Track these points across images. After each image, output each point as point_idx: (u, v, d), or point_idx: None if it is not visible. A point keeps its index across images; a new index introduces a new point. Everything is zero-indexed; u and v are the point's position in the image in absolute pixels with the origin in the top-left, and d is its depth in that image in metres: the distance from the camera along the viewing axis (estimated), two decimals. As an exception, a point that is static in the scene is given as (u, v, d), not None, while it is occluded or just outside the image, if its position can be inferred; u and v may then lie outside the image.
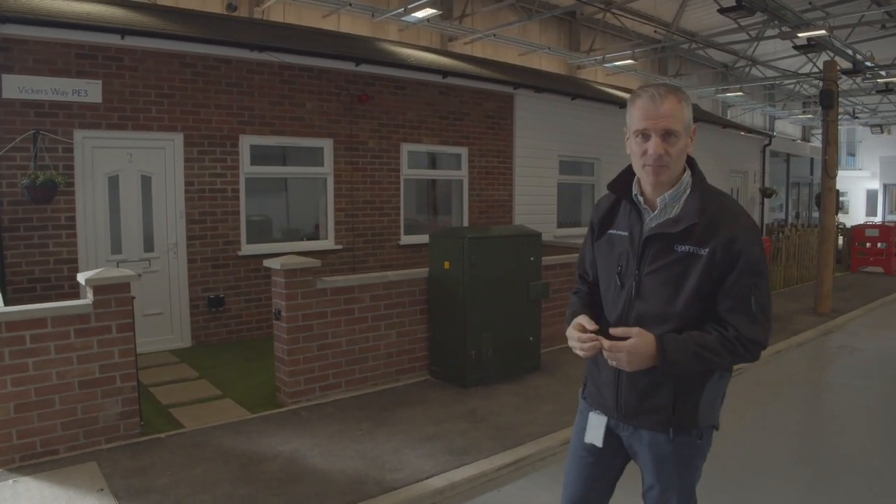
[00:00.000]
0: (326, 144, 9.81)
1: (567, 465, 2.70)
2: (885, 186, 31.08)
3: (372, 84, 10.21)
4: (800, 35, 14.03)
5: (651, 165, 2.25)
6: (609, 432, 2.52)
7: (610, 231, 2.48)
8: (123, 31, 7.80)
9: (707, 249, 2.22)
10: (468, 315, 6.60)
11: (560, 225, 13.35)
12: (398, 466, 4.83)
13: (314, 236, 9.97)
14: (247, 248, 9.07)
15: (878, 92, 22.01)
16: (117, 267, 7.73)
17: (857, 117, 28.90)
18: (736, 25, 16.11)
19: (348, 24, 14.77)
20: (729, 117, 25.02)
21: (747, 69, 23.72)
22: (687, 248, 2.24)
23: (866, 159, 33.05)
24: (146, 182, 8.33)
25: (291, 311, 6.17)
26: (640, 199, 2.39)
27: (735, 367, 2.50)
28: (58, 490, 4.41)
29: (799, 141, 31.33)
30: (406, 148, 10.68)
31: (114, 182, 8.10)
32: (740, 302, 2.22)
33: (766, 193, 20.77)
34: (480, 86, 11.62)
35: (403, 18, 14.10)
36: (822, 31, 13.48)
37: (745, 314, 2.22)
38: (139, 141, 8.20)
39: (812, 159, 28.32)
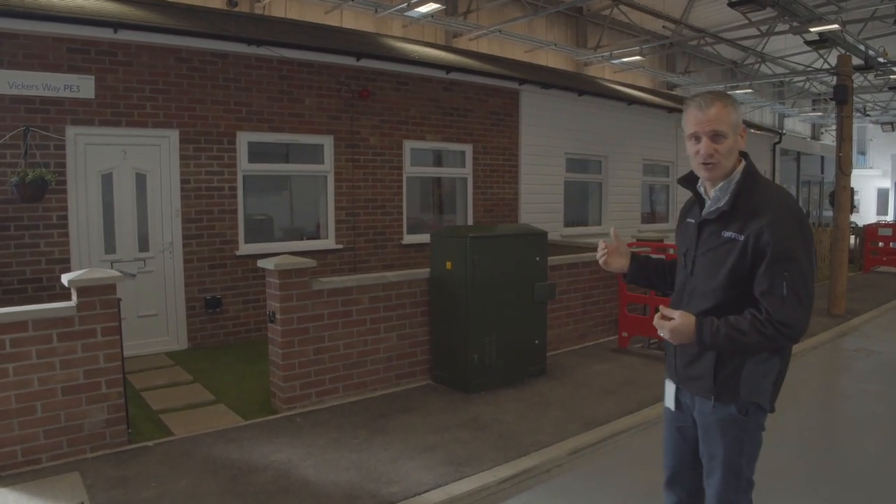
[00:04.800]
0: (326, 141, 9.57)
1: (663, 431, 3.00)
2: (898, 185, 30.72)
3: (373, 79, 9.97)
4: (812, 30, 13.71)
5: (703, 163, 2.58)
6: (680, 399, 2.82)
7: (686, 220, 2.85)
8: (116, 25, 7.58)
9: (744, 236, 2.51)
10: (471, 317, 6.34)
11: (567, 224, 13.11)
12: (395, 479, 4.58)
13: (314, 236, 9.73)
14: (245, 248, 8.83)
15: (891, 88, 21.65)
16: (111, 267, 7.54)
17: (867, 115, 28.50)
18: (745, 21, 15.80)
19: (351, 19, 14.50)
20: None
21: (756, 66, 23.38)
22: (730, 234, 2.55)
23: (877, 158, 32.63)
24: (141, 180, 8.11)
25: (286, 313, 5.93)
26: (703, 189, 2.75)
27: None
28: (36, 502, 4.17)
29: (809, 139, 30.93)
30: (408, 145, 10.44)
31: (107, 180, 7.88)
32: (772, 286, 2.44)
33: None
34: (485, 81, 11.36)
35: (407, 14, 13.82)
36: (835, 26, 13.16)
37: (776, 297, 2.43)
38: (133, 138, 7.99)
39: (823, 157, 27.97)
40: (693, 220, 2.75)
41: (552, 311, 7.83)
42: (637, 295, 8.20)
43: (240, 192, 8.80)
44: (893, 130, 29.78)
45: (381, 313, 6.51)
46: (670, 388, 2.87)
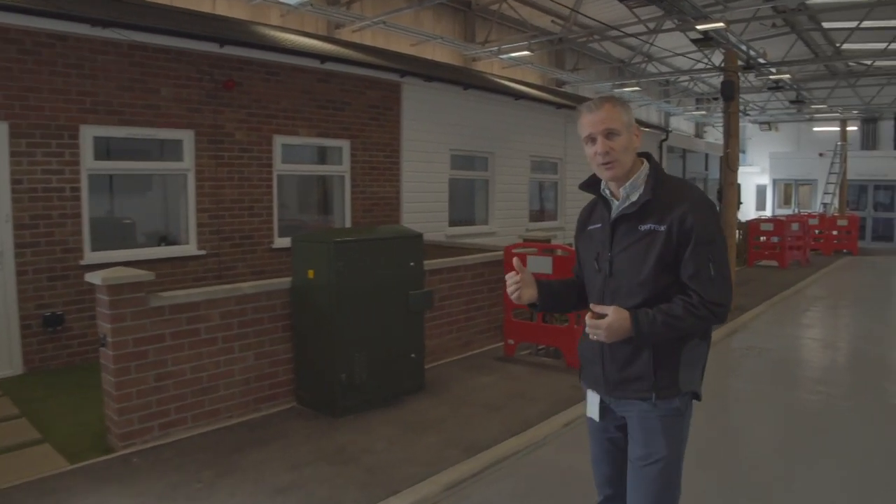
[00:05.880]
0: (186, 136, 8.64)
1: (590, 445, 2.93)
2: (775, 182, 31.90)
3: (240, 69, 9.11)
4: (697, 27, 13.71)
5: (602, 163, 2.61)
6: (606, 409, 2.78)
7: (588, 228, 2.85)
8: (-81, -3, 6.47)
9: (665, 226, 2.53)
10: (336, 332, 5.64)
11: (452, 224, 12.59)
12: (235, 534, 3.85)
13: (173, 241, 8.78)
14: (91, 256, 7.81)
15: (769, 89, 22.27)
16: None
17: (747, 114, 29.44)
18: (634, 19, 15.74)
19: (225, 7, 13.49)
20: (626, 112, 24.84)
21: (644, 65, 23.65)
22: (649, 226, 2.56)
23: (755, 156, 33.87)
24: (-40, 181, 7.00)
25: (119, 335, 5.07)
26: (607, 192, 2.74)
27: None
28: None
29: (693, 137, 31.75)
30: (279, 140, 9.61)
31: (-85, 181, 6.75)
32: (699, 269, 2.50)
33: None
34: (364, 73, 10.66)
35: (284, 1, 12.94)
36: (720, 24, 13.18)
37: (704, 279, 2.50)
38: (-50, 131, 6.88)
39: (707, 155, 28.69)
40: (600, 225, 2.76)
41: (433, 319, 7.25)
42: (524, 300, 7.74)
43: (84, 194, 7.77)
44: (770, 130, 30.95)
45: (236, 330, 5.72)
46: (593, 399, 2.81)
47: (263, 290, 5.87)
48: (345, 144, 10.53)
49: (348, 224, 10.49)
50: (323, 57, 9.92)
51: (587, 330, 2.57)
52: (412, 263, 6.14)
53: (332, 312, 5.61)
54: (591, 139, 2.61)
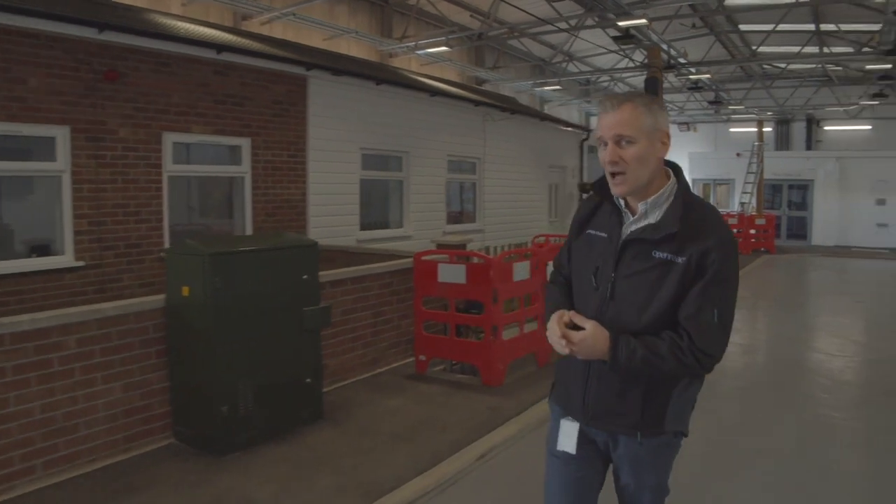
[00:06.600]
0: (60, 133, 7.69)
1: (547, 476, 2.60)
2: (694, 181, 32.29)
3: (125, 58, 8.21)
4: (620, 24, 13.44)
5: (610, 173, 2.28)
6: (584, 437, 2.47)
7: (589, 231, 2.48)
8: None
9: (684, 258, 2.21)
10: (216, 357, 4.88)
11: (364, 227, 11.91)
12: None
13: (46, 251, 7.80)
14: (-56, 270, 6.85)
15: (689, 89, 22.41)
16: None
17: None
18: (555, 15, 15.39)
19: (119, -5, 12.48)
20: (546, 112, 24.68)
21: (564, 64, 23.46)
22: (664, 255, 2.24)
23: (675, 156, 34.01)
24: None
25: (-56, 370, 4.22)
26: (622, 202, 2.37)
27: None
28: None
29: (614, 137, 31.92)
30: (170, 138, 8.72)
31: None
32: (701, 310, 2.19)
33: (583, 189, 20.52)
34: (266, 65, 9.86)
35: (183, -12, 12.02)
36: (643, 21, 12.93)
37: (703, 324, 2.19)
38: None
39: (627, 154, 28.82)
40: (604, 234, 2.39)
41: (335, 335, 6.57)
42: (435, 311, 7.14)
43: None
44: (689, 130, 31.36)
45: (98, 358, 4.88)
46: (571, 429, 2.47)
47: (131, 310, 5.05)
48: (245, 143, 9.69)
49: (249, 230, 9.67)
50: (219, 47, 9.08)
51: (549, 333, 2.29)
52: (306, 276, 5.42)
53: (210, 335, 4.85)
54: (604, 143, 2.28)
